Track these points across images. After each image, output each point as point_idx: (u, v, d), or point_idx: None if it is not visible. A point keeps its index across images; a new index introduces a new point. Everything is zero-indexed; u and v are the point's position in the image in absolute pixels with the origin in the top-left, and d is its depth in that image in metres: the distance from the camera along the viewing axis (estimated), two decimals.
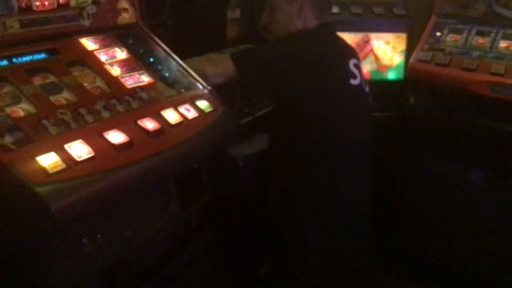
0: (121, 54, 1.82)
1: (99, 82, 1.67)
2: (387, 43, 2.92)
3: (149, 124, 1.58)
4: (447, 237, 2.85)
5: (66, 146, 1.37)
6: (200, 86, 1.88)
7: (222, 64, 1.98)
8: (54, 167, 1.30)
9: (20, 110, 1.44)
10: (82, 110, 1.52)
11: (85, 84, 1.63)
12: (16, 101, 1.46)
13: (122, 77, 1.72)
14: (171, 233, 1.83)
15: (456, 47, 2.69)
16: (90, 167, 1.36)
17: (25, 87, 1.50)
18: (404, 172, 2.92)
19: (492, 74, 2.50)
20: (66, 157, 1.34)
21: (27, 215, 1.27)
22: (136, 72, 1.78)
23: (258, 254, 2.43)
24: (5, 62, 1.53)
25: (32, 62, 1.59)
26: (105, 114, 1.55)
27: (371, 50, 2.92)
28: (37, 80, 1.56)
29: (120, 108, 1.61)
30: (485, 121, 2.59)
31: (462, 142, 2.67)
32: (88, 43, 1.78)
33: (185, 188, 1.79)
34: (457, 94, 2.60)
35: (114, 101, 1.61)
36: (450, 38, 2.76)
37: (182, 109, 1.72)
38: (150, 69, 1.83)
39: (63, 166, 1.32)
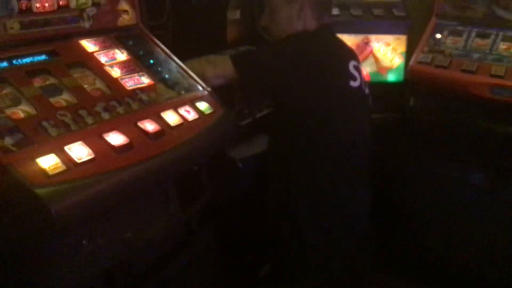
0: (121, 55, 1.82)
1: (99, 84, 1.67)
2: (387, 44, 2.92)
3: (149, 125, 1.58)
4: (447, 238, 2.85)
5: (66, 148, 1.37)
6: (200, 88, 1.88)
7: (222, 66, 1.99)
8: (54, 168, 1.30)
9: (20, 111, 1.44)
10: (82, 112, 1.52)
11: (85, 86, 1.63)
12: (16, 102, 1.46)
13: (122, 79, 1.72)
14: (171, 234, 1.83)
15: (456, 49, 2.70)
16: (90, 169, 1.36)
17: (25, 88, 1.50)
18: (404, 173, 2.92)
19: (492, 76, 2.51)
20: (66, 159, 1.34)
21: (27, 217, 1.27)
22: (136, 74, 1.78)
23: (257, 254, 2.43)
24: (5, 64, 1.53)
25: (32, 63, 1.59)
26: (105, 116, 1.55)
27: (371, 51, 2.92)
28: (37, 82, 1.55)
29: (120, 109, 1.61)
30: (485, 123, 2.59)
31: (462, 144, 2.67)
32: (88, 45, 1.78)
33: (185, 189, 1.79)
34: (457, 96, 2.61)
35: (114, 103, 1.61)
36: (450, 40, 2.76)
37: (182, 110, 1.72)
38: (150, 70, 1.83)
39: (63, 167, 1.32)
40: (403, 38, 2.91)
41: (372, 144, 2.16)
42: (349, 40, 2.64)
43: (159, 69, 1.87)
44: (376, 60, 2.94)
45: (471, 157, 2.69)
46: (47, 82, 1.58)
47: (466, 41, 2.73)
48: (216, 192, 1.98)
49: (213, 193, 1.97)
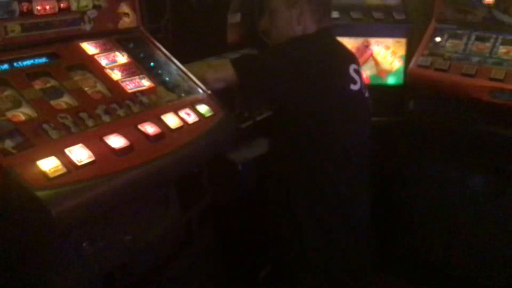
0: (121, 58, 1.82)
1: (99, 87, 1.67)
2: (387, 48, 2.92)
3: (150, 128, 1.58)
4: (446, 241, 2.86)
5: (67, 150, 1.37)
6: (200, 91, 1.88)
7: (223, 70, 1.99)
8: (55, 171, 1.30)
9: (21, 114, 1.44)
10: (83, 114, 1.52)
11: (86, 89, 1.63)
12: (16, 105, 1.46)
13: (122, 82, 1.73)
14: (171, 236, 1.83)
15: (455, 53, 2.70)
16: (91, 171, 1.36)
17: (25, 91, 1.50)
18: (403, 176, 2.92)
19: (492, 79, 2.51)
20: (67, 161, 1.34)
21: (27, 219, 1.27)
22: (136, 77, 1.78)
23: (258, 256, 2.44)
24: (6, 66, 1.53)
25: (33, 66, 1.59)
26: (106, 119, 1.55)
27: (371, 55, 2.93)
28: (38, 84, 1.56)
29: (121, 112, 1.61)
30: (485, 126, 2.60)
31: (461, 147, 2.67)
32: (89, 47, 1.78)
33: (185, 192, 1.80)
34: (457, 99, 2.61)
35: (114, 106, 1.61)
36: (449, 43, 2.76)
37: (182, 113, 1.72)
38: (151, 73, 1.83)
39: (64, 170, 1.32)
40: (403, 41, 2.91)
41: (372, 146, 2.16)
42: (349, 43, 2.64)
43: (160, 71, 1.87)
44: (376, 63, 2.94)
45: (470, 160, 2.69)
46: (48, 85, 1.58)
47: (466, 44, 2.73)
48: (216, 195, 1.99)
49: (213, 195, 1.97)
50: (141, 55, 1.88)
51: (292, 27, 2.04)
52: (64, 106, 1.54)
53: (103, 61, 1.76)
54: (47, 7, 1.64)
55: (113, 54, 1.81)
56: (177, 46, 2.18)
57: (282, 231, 2.11)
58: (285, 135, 2.05)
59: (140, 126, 1.57)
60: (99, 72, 1.71)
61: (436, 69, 2.64)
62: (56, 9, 1.67)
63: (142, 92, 1.73)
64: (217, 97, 1.89)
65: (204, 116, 1.77)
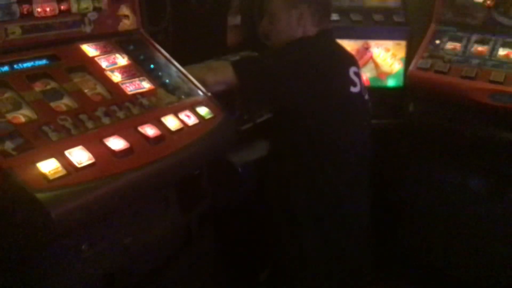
0: (121, 60, 1.82)
1: (99, 89, 1.68)
2: (387, 50, 2.92)
3: (150, 130, 1.58)
4: (446, 242, 2.86)
5: (67, 152, 1.37)
6: (201, 93, 1.88)
7: (223, 72, 1.99)
8: (55, 173, 1.30)
9: (21, 116, 1.44)
10: (83, 116, 1.52)
11: (86, 90, 1.63)
12: (17, 107, 1.46)
13: (122, 84, 1.73)
14: (171, 238, 1.83)
15: (455, 55, 2.70)
16: (91, 173, 1.36)
17: (26, 93, 1.50)
18: (403, 178, 2.92)
19: (492, 82, 2.50)
20: (67, 163, 1.34)
21: (27, 221, 1.27)
22: (136, 79, 1.78)
23: (257, 259, 2.44)
24: (6, 68, 1.54)
25: (33, 68, 1.59)
26: (106, 121, 1.56)
27: (371, 57, 2.93)
28: (38, 86, 1.56)
29: (121, 114, 1.61)
30: (485, 129, 2.59)
31: (461, 150, 2.67)
32: (89, 49, 1.78)
33: (185, 194, 1.80)
34: (457, 102, 2.61)
35: (114, 108, 1.61)
36: (449, 45, 2.76)
37: (182, 115, 1.72)
38: (151, 75, 1.83)
39: (64, 172, 1.32)
40: (402, 44, 2.92)
41: (372, 149, 2.17)
42: (349, 45, 2.64)
43: (160, 74, 1.88)
44: (376, 66, 2.94)
45: (470, 162, 2.70)
46: (48, 87, 1.58)
47: (466, 47, 2.73)
48: (216, 197, 1.99)
49: (213, 197, 1.97)
50: (141, 57, 1.89)
51: (292, 29, 2.05)
52: (64, 108, 1.54)
53: (103, 63, 1.77)
54: (48, 9, 1.64)
55: (113, 56, 1.82)
56: (177, 48, 2.18)
57: (281, 232, 2.12)
58: (285, 136, 2.06)
59: (140, 128, 1.57)
60: (99, 74, 1.72)
61: (436, 72, 2.63)
62: (57, 11, 1.67)
63: (142, 94, 1.73)
64: (217, 99, 1.89)
65: (204, 118, 1.77)
